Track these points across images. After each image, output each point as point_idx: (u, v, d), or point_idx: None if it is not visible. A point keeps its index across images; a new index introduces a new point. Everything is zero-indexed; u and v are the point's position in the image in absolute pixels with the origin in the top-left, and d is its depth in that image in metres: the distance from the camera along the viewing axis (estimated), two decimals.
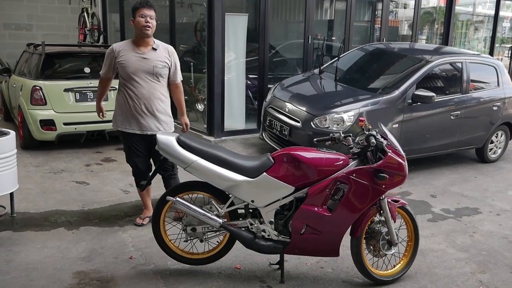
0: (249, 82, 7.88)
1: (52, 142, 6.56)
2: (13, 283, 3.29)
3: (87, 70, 6.93)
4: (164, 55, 4.04)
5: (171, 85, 4.19)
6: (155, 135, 3.42)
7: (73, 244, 3.90)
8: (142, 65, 3.94)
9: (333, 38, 9.93)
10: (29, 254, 3.70)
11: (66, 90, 6.51)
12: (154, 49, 4.00)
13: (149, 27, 3.90)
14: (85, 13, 9.58)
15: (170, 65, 4.07)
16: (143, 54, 3.96)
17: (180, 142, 3.27)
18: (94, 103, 6.61)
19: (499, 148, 7.15)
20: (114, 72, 4.09)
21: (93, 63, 7.40)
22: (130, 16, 4.01)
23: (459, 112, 6.34)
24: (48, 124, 6.37)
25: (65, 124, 6.45)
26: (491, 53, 11.86)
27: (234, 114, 7.40)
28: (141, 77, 3.95)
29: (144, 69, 3.94)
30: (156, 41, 4.07)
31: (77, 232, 4.13)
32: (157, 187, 4.86)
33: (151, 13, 3.91)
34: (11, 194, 4.31)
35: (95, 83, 6.70)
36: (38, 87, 6.40)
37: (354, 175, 3.19)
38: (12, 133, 4.22)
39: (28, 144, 6.58)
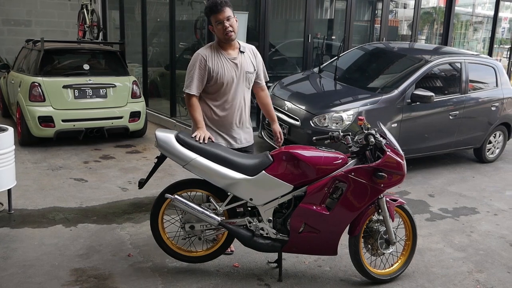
0: None
1: (50, 139, 6.56)
2: (10, 280, 3.29)
3: (86, 67, 6.93)
4: (250, 58, 3.59)
5: (255, 88, 3.76)
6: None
7: (70, 241, 3.89)
8: (237, 73, 3.49)
9: (333, 37, 9.94)
10: (27, 251, 3.69)
11: (65, 86, 6.50)
12: (242, 51, 3.54)
13: (231, 31, 3.39)
14: (84, 9, 9.57)
15: (256, 68, 3.63)
16: (235, 60, 3.49)
17: (179, 140, 3.26)
18: (93, 100, 6.77)
19: (497, 148, 7.16)
20: (204, 85, 3.49)
21: (92, 60, 7.41)
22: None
23: (457, 112, 6.34)
24: (46, 120, 6.36)
25: (63, 121, 6.44)
26: (490, 53, 11.88)
27: None
28: (234, 85, 3.49)
29: (237, 75, 3.49)
30: (240, 42, 3.60)
31: (75, 229, 4.12)
32: (156, 185, 4.87)
33: (226, 14, 3.36)
34: (9, 191, 4.30)
35: (94, 80, 6.74)
36: (37, 84, 6.39)
37: (352, 174, 3.19)
38: (10, 129, 4.21)
39: (26, 140, 6.57)
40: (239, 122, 3.60)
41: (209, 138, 3.37)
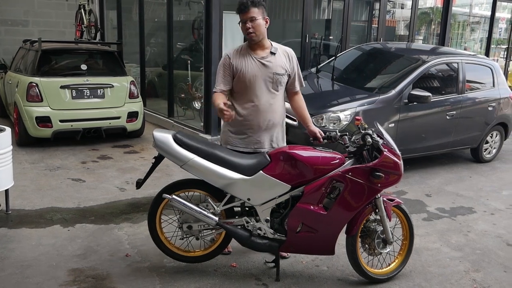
0: None
1: (48, 139, 6.55)
2: (8, 280, 3.29)
3: (83, 67, 6.93)
4: (283, 60, 3.50)
5: (289, 93, 3.69)
6: None
7: (68, 242, 3.89)
8: (262, 72, 3.42)
9: (330, 37, 9.95)
10: (24, 251, 3.69)
11: (62, 87, 6.49)
12: (273, 53, 3.47)
13: (252, 32, 3.35)
14: (82, 9, 9.57)
15: (290, 71, 3.54)
16: (262, 60, 3.43)
17: (176, 140, 3.27)
18: (91, 100, 6.77)
19: (494, 148, 7.19)
20: (231, 83, 3.48)
21: (89, 60, 7.41)
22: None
23: (454, 112, 6.36)
24: (44, 121, 6.36)
25: (61, 121, 6.44)
26: (487, 53, 11.94)
27: None
28: (260, 86, 3.43)
29: (263, 76, 3.42)
30: (274, 43, 3.54)
31: (73, 230, 4.12)
32: (153, 185, 4.88)
33: (250, 14, 3.33)
34: (6, 191, 4.30)
35: (91, 80, 6.73)
36: (34, 84, 6.39)
37: (350, 173, 3.20)
38: (8, 129, 4.21)
39: (23, 141, 6.56)
40: (263, 124, 3.49)
41: (226, 104, 3.20)
